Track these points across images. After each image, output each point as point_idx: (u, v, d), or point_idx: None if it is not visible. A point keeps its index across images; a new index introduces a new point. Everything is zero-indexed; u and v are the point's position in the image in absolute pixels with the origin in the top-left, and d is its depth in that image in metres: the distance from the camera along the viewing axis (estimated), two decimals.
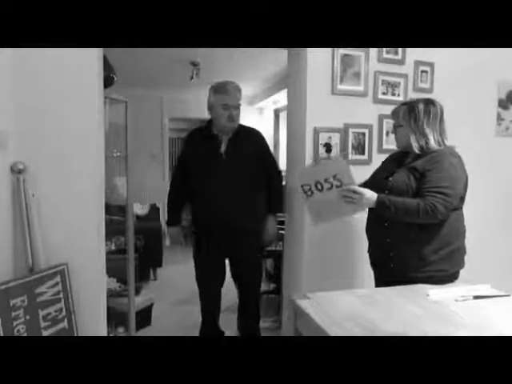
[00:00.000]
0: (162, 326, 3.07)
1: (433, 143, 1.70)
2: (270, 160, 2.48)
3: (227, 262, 2.50)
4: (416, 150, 1.71)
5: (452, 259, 1.71)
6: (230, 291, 2.65)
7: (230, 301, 2.86)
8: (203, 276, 2.47)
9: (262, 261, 2.70)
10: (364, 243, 1.91)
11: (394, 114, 1.83)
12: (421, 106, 1.72)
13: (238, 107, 2.32)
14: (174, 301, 3.61)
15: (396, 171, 1.78)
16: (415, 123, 1.71)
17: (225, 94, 2.28)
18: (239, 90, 2.35)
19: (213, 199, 2.29)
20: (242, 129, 2.41)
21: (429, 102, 1.74)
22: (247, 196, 2.33)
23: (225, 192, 2.26)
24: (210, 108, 2.35)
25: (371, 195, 1.66)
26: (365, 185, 1.92)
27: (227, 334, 2.68)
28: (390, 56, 2.51)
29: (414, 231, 1.67)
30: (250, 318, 2.56)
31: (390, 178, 1.76)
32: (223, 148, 2.33)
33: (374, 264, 1.89)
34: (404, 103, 1.83)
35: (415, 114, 1.71)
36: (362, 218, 1.88)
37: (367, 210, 1.78)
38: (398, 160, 1.86)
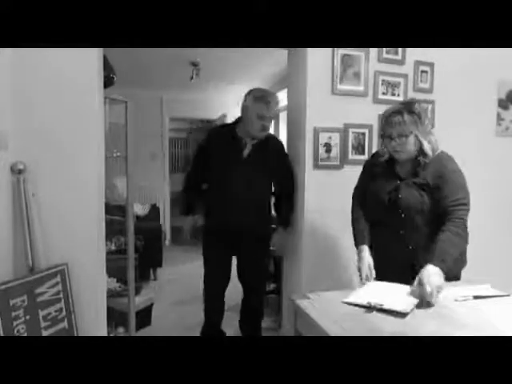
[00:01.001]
0: (162, 326, 3.06)
1: (437, 145, 1.67)
2: (287, 173, 2.46)
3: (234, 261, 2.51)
4: (430, 152, 1.64)
5: (461, 259, 1.72)
6: (232, 291, 2.65)
7: (232, 301, 2.85)
8: (210, 274, 2.47)
9: (269, 263, 2.70)
10: None
11: (397, 124, 1.64)
12: (418, 107, 1.66)
13: (271, 119, 2.31)
14: (173, 301, 3.60)
15: (399, 186, 1.68)
16: (422, 126, 1.64)
17: (265, 104, 2.25)
18: (278, 102, 2.35)
19: (227, 200, 2.30)
20: (267, 136, 2.38)
21: (418, 103, 1.71)
22: (261, 202, 2.35)
23: (240, 196, 2.26)
24: (244, 111, 2.32)
25: (434, 277, 1.41)
26: (356, 189, 1.92)
27: (229, 333, 2.68)
28: (390, 56, 2.51)
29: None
30: (252, 318, 2.57)
31: (400, 196, 1.67)
32: (246, 152, 2.32)
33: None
34: (397, 111, 1.66)
35: (420, 116, 1.64)
36: None
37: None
38: (387, 169, 1.76)
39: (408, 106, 1.66)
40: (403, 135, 1.63)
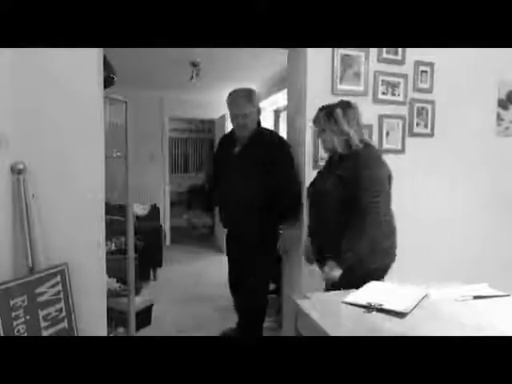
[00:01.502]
0: (162, 326, 3.07)
1: (354, 142, 1.80)
2: (282, 167, 2.31)
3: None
4: (341, 150, 1.82)
5: (386, 252, 1.83)
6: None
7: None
8: (229, 270, 2.62)
9: (269, 264, 2.52)
10: None
11: (316, 121, 1.91)
12: (338, 110, 1.82)
13: (245, 116, 2.27)
14: (173, 301, 3.61)
15: (324, 177, 1.91)
16: (336, 126, 1.81)
17: (230, 103, 2.30)
18: (246, 96, 2.29)
19: (224, 200, 2.41)
20: (261, 134, 2.35)
21: (345, 105, 1.84)
22: (254, 200, 2.28)
23: (234, 196, 2.33)
24: None
25: (330, 263, 1.79)
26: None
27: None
28: (390, 56, 2.52)
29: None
30: (246, 299, 2.49)
31: (319, 186, 1.90)
32: (236, 151, 2.38)
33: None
34: (322, 108, 1.90)
35: (334, 117, 1.82)
36: None
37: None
38: (328, 162, 1.99)
39: (328, 107, 1.87)
40: (319, 130, 1.91)
